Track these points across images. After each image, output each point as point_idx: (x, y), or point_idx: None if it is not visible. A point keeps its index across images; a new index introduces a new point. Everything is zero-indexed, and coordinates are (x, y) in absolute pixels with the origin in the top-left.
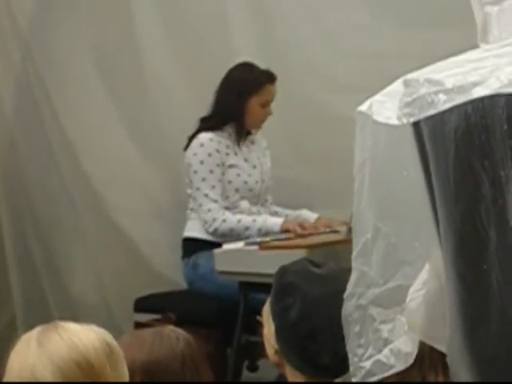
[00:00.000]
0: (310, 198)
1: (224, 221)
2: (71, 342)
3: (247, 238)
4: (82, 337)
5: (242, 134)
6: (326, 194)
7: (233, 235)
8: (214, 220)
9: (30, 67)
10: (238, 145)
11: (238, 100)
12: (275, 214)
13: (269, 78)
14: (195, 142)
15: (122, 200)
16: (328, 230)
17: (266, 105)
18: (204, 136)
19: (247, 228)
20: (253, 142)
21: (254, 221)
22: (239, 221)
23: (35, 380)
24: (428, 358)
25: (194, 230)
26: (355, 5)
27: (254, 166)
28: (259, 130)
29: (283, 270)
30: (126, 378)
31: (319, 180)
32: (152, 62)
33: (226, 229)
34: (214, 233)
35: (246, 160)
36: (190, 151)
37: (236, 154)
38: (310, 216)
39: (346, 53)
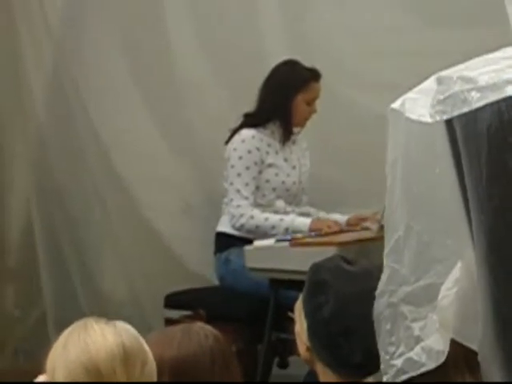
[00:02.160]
0: (340, 196)
1: (251, 217)
2: (84, 345)
3: (273, 236)
4: (97, 339)
5: (288, 131)
6: (357, 192)
7: (258, 232)
8: (242, 215)
9: (61, 66)
10: (283, 143)
11: (284, 97)
12: (307, 215)
13: (314, 75)
14: (237, 138)
15: (153, 198)
16: (359, 227)
17: (311, 102)
18: (246, 132)
19: (274, 227)
20: (294, 143)
21: (282, 220)
22: (266, 219)
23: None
24: (452, 359)
25: (227, 226)
26: (385, 3)
27: (294, 167)
28: (301, 131)
29: (316, 267)
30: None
31: (350, 178)
32: (183, 61)
33: (252, 225)
34: (240, 228)
35: (285, 160)
36: (230, 145)
37: (277, 152)
38: (340, 219)
39: (376, 51)
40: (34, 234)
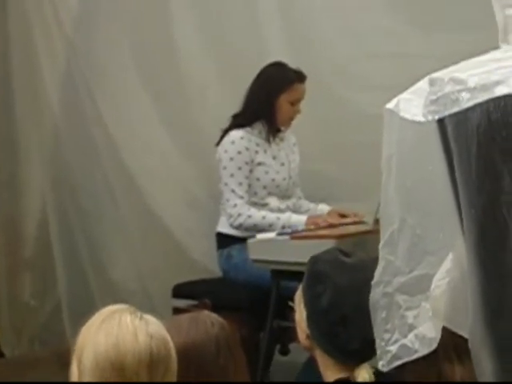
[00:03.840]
0: (336, 191)
1: (249, 216)
2: (115, 341)
3: None
4: (128, 339)
5: (272, 130)
6: (352, 188)
7: (256, 230)
8: (240, 215)
9: (74, 66)
10: (269, 141)
11: (268, 97)
12: (299, 207)
13: (298, 76)
14: (226, 139)
15: (161, 192)
16: (352, 220)
17: (295, 103)
18: (235, 134)
19: (271, 225)
20: (282, 140)
21: (278, 218)
22: (264, 217)
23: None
24: (442, 346)
25: (226, 226)
26: (382, 7)
27: (282, 164)
28: (288, 128)
29: (315, 259)
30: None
31: (345, 174)
32: (188, 61)
33: (250, 224)
34: (239, 227)
35: (274, 157)
36: (221, 147)
37: (265, 151)
38: (324, 209)
39: (372, 53)
40: (48, 226)
